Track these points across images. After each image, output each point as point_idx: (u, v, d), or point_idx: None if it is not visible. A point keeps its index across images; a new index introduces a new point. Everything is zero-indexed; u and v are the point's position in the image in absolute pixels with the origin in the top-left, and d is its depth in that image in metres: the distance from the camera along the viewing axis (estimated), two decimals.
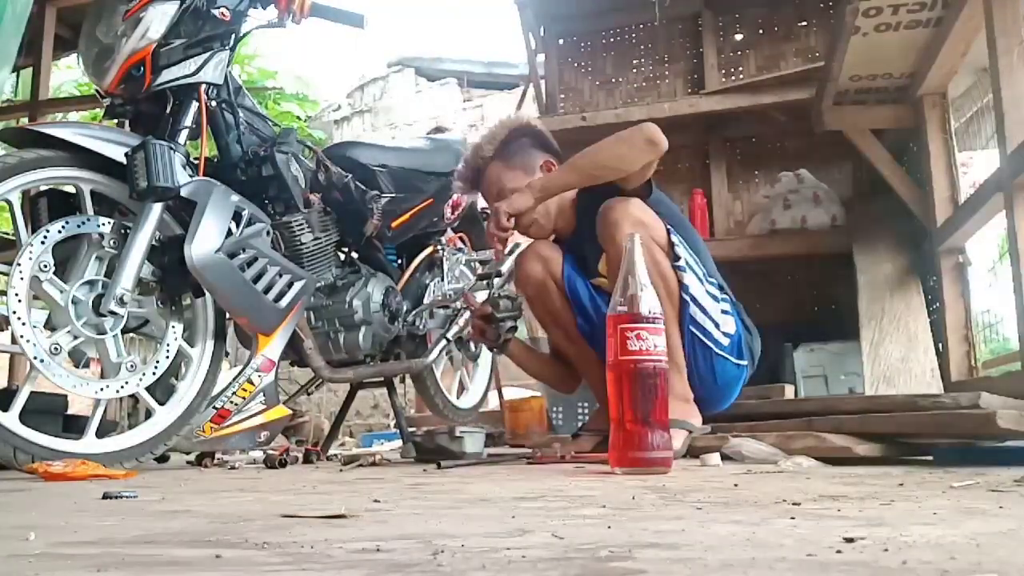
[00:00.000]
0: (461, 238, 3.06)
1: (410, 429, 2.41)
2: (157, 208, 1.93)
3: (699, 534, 0.71)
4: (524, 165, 2.16)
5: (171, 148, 1.89)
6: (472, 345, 3.07)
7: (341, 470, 1.92)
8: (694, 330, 1.95)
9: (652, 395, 1.44)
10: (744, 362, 2.05)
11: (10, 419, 1.75)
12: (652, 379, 1.45)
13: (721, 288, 2.07)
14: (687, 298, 1.93)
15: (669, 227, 1.98)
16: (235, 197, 2.04)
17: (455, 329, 2.77)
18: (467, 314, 2.82)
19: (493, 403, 3.77)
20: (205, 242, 1.93)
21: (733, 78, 4.39)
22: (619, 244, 1.90)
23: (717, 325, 1.98)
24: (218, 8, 2.07)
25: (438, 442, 2.08)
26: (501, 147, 2.17)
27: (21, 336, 1.76)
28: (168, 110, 2.05)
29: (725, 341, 2.00)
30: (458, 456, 2.03)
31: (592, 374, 2.19)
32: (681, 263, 1.94)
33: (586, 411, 3.34)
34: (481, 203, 2.67)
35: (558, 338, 2.23)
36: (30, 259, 1.79)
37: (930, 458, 1.66)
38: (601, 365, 2.14)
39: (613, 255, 1.95)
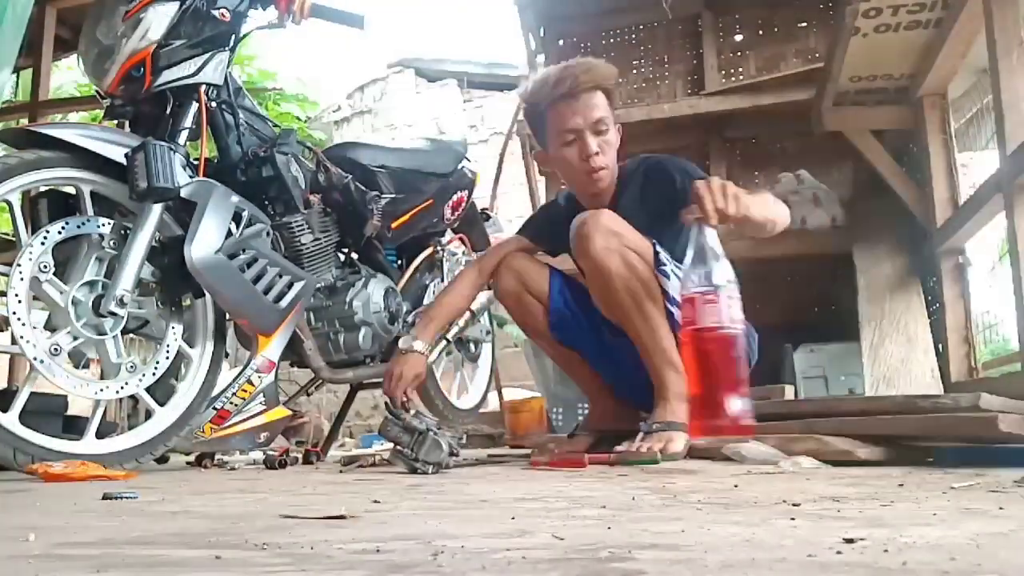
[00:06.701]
0: (461, 239, 3.06)
1: None
2: (157, 209, 1.93)
3: (699, 535, 0.71)
4: (614, 117, 2.00)
5: (171, 149, 1.89)
6: (472, 346, 3.07)
7: (341, 471, 1.92)
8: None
9: (733, 363, 1.47)
10: None
11: (10, 420, 1.75)
12: (732, 348, 1.48)
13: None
14: (670, 304, 1.88)
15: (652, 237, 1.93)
16: (235, 198, 2.04)
17: (455, 329, 2.77)
18: (467, 315, 2.81)
19: (493, 404, 3.77)
20: (205, 243, 1.93)
21: (733, 79, 4.38)
22: (592, 257, 1.88)
23: None
24: (218, 9, 2.07)
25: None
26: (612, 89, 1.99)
27: (21, 337, 1.76)
28: (168, 111, 2.05)
29: None
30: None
31: (578, 374, 2.20)
32: (666, 268, 1.91)
33: (586, 411, 3.34)
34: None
35: (542, 345, 2.24)
36: (30, 260, 1.79)
37: (930, 459, 1.66)
38: (585, 364, 2.15)
39: (589, 268, 1.94)
